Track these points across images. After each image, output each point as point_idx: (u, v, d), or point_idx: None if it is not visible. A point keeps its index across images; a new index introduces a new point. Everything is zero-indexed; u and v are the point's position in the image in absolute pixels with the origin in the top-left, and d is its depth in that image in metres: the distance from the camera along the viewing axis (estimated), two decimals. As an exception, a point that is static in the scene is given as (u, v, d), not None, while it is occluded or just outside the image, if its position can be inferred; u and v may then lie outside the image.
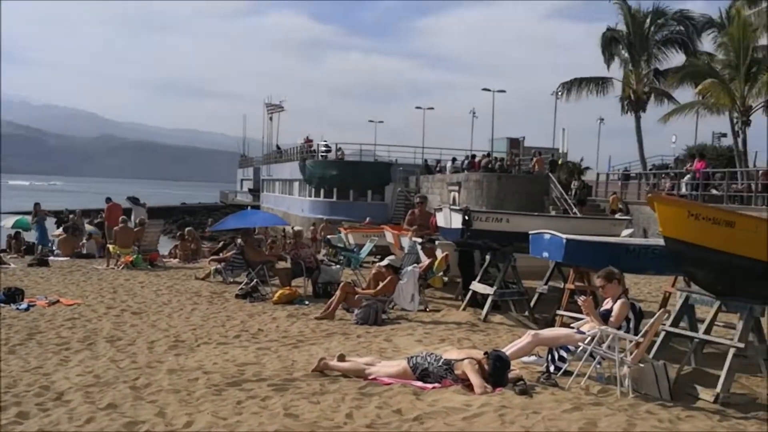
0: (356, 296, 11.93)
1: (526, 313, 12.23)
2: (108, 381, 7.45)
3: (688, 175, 27.65)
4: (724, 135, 44.87)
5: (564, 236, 9.87)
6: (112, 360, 8.46)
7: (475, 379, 7.05)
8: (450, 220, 11.85)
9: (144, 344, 9.48)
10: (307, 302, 13.62)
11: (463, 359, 7.30)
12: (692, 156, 29.66)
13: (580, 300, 7.93)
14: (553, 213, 27.50)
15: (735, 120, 28.29)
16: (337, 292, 12.15)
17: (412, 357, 7.66)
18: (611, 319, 7.81)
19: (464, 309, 12.59)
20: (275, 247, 19.72)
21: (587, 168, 40.11)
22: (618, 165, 39.56)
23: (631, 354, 7.27)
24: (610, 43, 35.74)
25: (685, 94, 39.93)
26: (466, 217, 11.23)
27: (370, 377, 7.58)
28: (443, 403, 6.66)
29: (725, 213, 7.15)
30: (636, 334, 7.77)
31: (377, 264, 13.52)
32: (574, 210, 29.07)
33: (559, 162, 39.84)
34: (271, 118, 76.79)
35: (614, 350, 7.27)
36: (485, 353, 7.38)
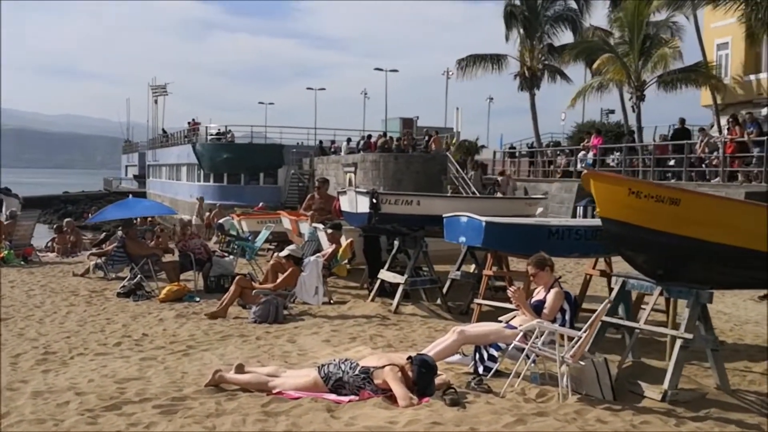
0: (253, 291, 10.79)
1: (439, 302, 11.43)
2: (-46, 413, 6.13)
3: (585, 152, 27.56)
4: (612, 111, 45.62)
5: (483, 219, 9.02)
6: (-39, 385, 7.09)
7: (398, 390, 6.10)
8: (356, 203, 10.85)
9: (7, 359, 8.10)
10: (198, 298, 12.38)
11: (383, 366, 6.33)
12: (588, 132, 29.60)
13: (511, 290, 7.10)
14: (450, 193, 26.91)
15: (630, 95, 28.35)
16: (232, 287, 10.98)
17: (323, 365, 6.64)
18: (545, 311, 7.01)
19: (372, 300, 11.66)
20: (163, 236, 18.32)
21: (483, 146, 39.90)
22: (510, 143, 39.50)
23: (570, 350, 6.46)
24: (510, 17, 35.44)
25: (576, 71, 40.25)
26: (374, 201, 10.25)
27: (275, 391, 6.53)
28: (363, 420, 5.70)
29: (670, 190, 6.44)
30: (572, 326, 7.00)
31: (276, 254, 12.41)
32: (473, 189, 28.63)
33: (453, 141, 39.49)
34: (156, 102, 74.02)
35: (553, 347, 6.46)
36: (408, 358, 6.43)
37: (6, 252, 18.12)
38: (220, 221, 25.83)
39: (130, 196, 23.29)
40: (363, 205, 10.56)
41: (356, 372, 6.39)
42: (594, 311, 9.33)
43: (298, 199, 41.07)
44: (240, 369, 6.93)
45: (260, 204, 30.07)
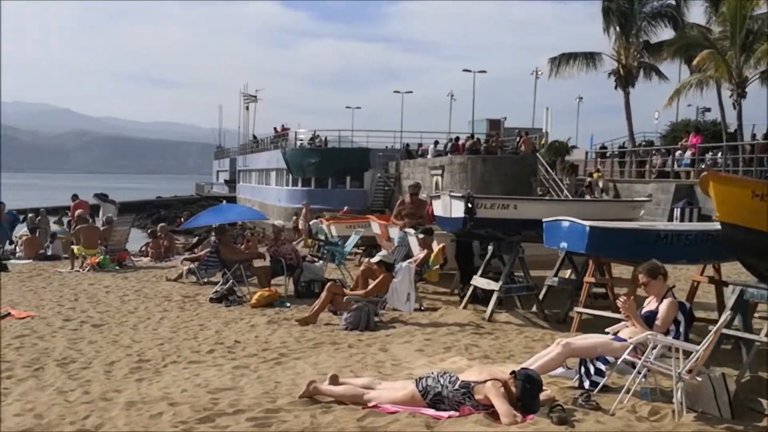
0: (344, 298, 10.57)
1: (534, 309, 11.00)
2: (51, 422, 6.08)
3: (682, 152, 26.52)
4: (708, 110, 43.93)
5: (587, 224, 8.56)
6: (59, 391, 7.07)
7: (501, 406, 5.75)
8: (450, 208, 10.52)
9: (101, 367, 8.09)
10: (288, 304, 12.27)
11: (485, 381, 5.98)
12: (686, 131, 28.48)
13: (621, 301, 6.65)
14: (540, 195, 26.27)
15: (731, 92, 27.11)
16: (323, 294, 10.80)
17: (421, 378, 6.34)
18: (657, 322, 6.54)
19: (465, 307, 11.31)
20: (252, 241, 18.38)
21: (574, 147, 38.92)
22: (600, 143, 38.42)
23: (686, 365, 5.98)
24: (607, 14, 34.56)
25: (671, 69, 38.86)
26: (470, 205, 9.89)
27: (371, 404, 6.28)
28: (464, 438, 5.37)
29: (799, 192, 5.88)
30: (686, 338, 6.52)
31: (366, 260, 12.19)
32: (565, 192, 27.89)
33: (543, 141, 38.68)
34: (247, 108, 75.39)
35: (665, 361, 6.00)
36: (512, 373, 6.07)
37: (102, 257, 18.47)
38: (309, 223, 25.94)
39: (224, 201, 23.53)
40: (458, 210, 10.23)
41: (456, 386, 6.08)
42: (704, 321, 8.82)
43: (384, 202, 41.00)
44: (334, 380, 6.71)
45: (345, 208, 30.10)
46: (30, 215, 25.16)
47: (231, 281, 13.13)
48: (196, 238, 24.90)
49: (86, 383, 7.38)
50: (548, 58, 35.84)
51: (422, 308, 11.39)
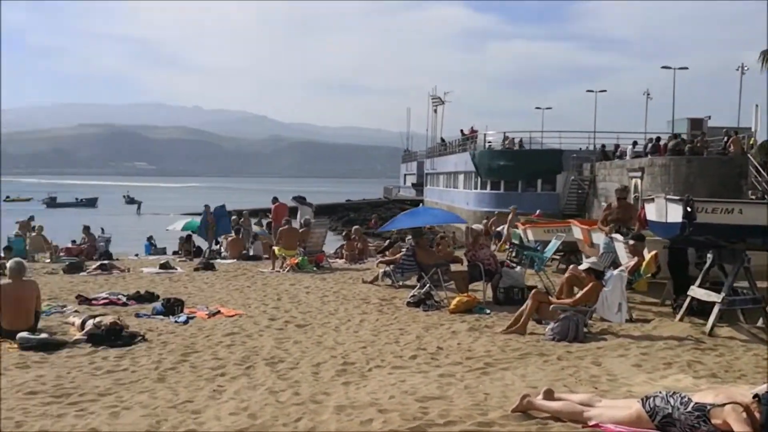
0: (551, 306, 10.11)
1: (761, 324, 10.03)
2: (264, 423, 6.10)
3: None
4: None
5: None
6: (271, 391, 7.12)
7: (744, 435, 5.13)
8: (666, 212, 9.78)
9: (308, 368, 8.12)
10: (488, 311, 11.95)
11: (723, 404, 5.38)
12: None
13: None
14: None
15: None
16: (528, 302, 10.37)
17: (648, 398, 5.81)
18: None
19: (681, 319, 10.50)
20: (443, 244, 18.22)
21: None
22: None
23: None
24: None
25: None
26: (689, 209, 9.13)
27: (591, 423, 5.84)
28: (704, 468, 4.82)
29: None
30: None
31: (572, 266, 11.64)
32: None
33: (751, 141, 35.95)
34: (435, 111, 75.82)
35: None
36: (755, 396, 5.42)
37: (300, 258, 18.97)
38: (498, 229, 25.47)
39: (421, 205, 23.54)
40: (675, 214, 9.47)
41: (689, 408, 5.50)
42: None
43: (577, 206, 39.68)
44: (549, 395, 6.32)
45: (537, 212, 29.35)
46: (234, 217, 26.37)
47: (428, 285, 13.00)
48: (387, 241, 25.12)
49: (295, 384, 7.41)
50: (760, 51, 33.20)
51: (632, 319, 10.70)
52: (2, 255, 21.78)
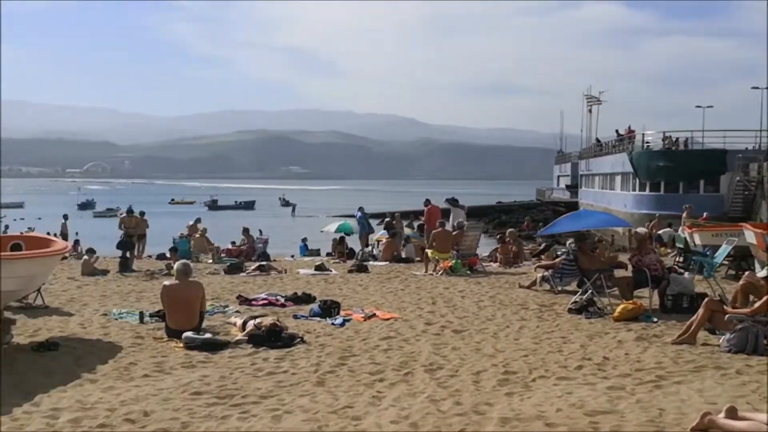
0: (726, 316, 9.37)
1: None
2: (427, 433, 5.89)
3: None
4: None
5: None
6: (431, 399, 6.91)
7: None
8: None
9: (468, 376, 7.85)
10: (655, 319, 11.26)
11: None
12: None
13: None
14: None
15: None
16: (700, 310, 9.66)
17: None
18: None
19: None
20: (600, 249, 17.49)
21: None
22: None
23: None
24: None
25: None
26: None
27: (787, 448, 5.25)
28: None
29: None
30: None
31: (749, 273, 10.80)
32: None
33: None
34: (590, 111, 73.86)
35: None
36: None
37: (454, 261, 18.73)
38: (659, 232, 24.31)
39: (582, 208, 22.79)
40: None
41: None
42: None
43: (743, 208, 37.35)
44: (732, 413, 5.78)
45: (704, 214, 27.93)
46: (387, 219, 26.49)
47: (590, 291, 12.43)
48: (543, 244, 24.49)
49: (456, 393, 7.16)
50: None
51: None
52: (168, 256, 22.84)
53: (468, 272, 18.47)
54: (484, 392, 7.21)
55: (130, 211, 25.80)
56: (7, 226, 33.28)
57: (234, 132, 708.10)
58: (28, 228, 33.35)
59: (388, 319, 11.53)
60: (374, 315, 11.83)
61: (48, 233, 23.97)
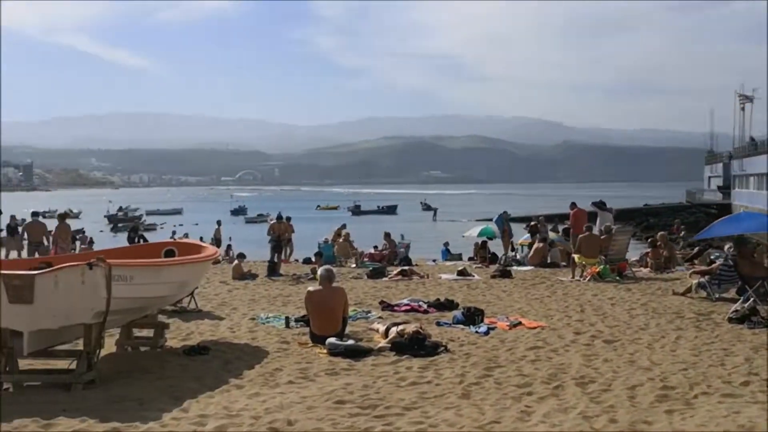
0: None
1: None
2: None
3: None
4: None
5: None
6: (584, 416, 6.52)
7: None
8: None
9: (623, 391, 7.39)
10: (828, 330, 10.33)
11: None
12: None
13: None
14: None
15: None
16: None
17: None
18: None
19: None
20: (758, 253, 16.33)
21: None
22: None
23: None
24: None
25: None
26: None
27: None
28: None
29: None
30: None
31: None
32: None
33: None
34: (742, 109, 70.08)
35: None
36: None
37: (601, 267, 18.03)
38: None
39: (736, 209, 21.50)
40: None
41: None
42: None
43: None
44: None
45: None
46: (532, 223, 25.92)
47: (753, 299, 11.58)
48: (696, 248, 23.22)
49: (610, 409, 6.74)
50: None
51: None
52: (314, 260, 23.22)
53: (617, 278, 17.71)
54: (641, 409, 6.75)
55: (279, 218, 26.57)
56: (174, 232, 34.93)
57: (377, 138, 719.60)
58: (184, 234, 34.86)
59: (534, 328, 11.13)
60: (520, 323, 11.46)
61: (201, 238, 25.00)
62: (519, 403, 7.00)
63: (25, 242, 22.57)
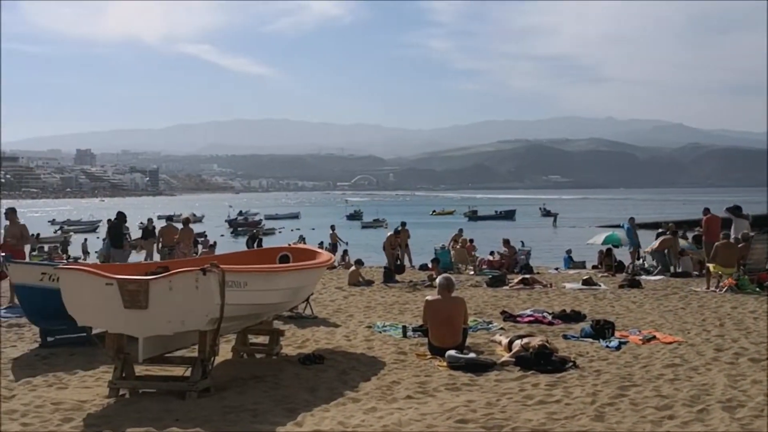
0: None
1: None
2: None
3: None
4: None
5: None
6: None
7: None
8: None
9: (779, 418, 6.59)
10: None
11: None
12: None
13: None
14: None
15: None
16: None
17: None
18: None
19: None
20: None
21: None
22: None
23: None
24: None
25: None
26: None
27: None
28: None
29: None
30: None
31: None
32: None
33: None
34: None
35: None
36: None
37: (740, 277, 16.84)
38: None
39: None
40: None
41: None
42: None
43: None
44: None
45: None
46: (660, 230, 24.66)
47: None
48: None
49: (765, 439, 5.98)
50: None
51: None
52: (430, 266, 22.80)
53: (757, 289, 16.46)
54: (804, 441, 5.97)
55: (396, 231, 26.51)
56: (302, 237, 35.20)
57: (493, 142, 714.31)
58: (300, 237, 35.12)
59: (670, 343, 10.30)
60: (654, 337, 10.64)
61: (321, 244, 25.04)
62: (660, 429, 6.33)
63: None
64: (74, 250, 41.80)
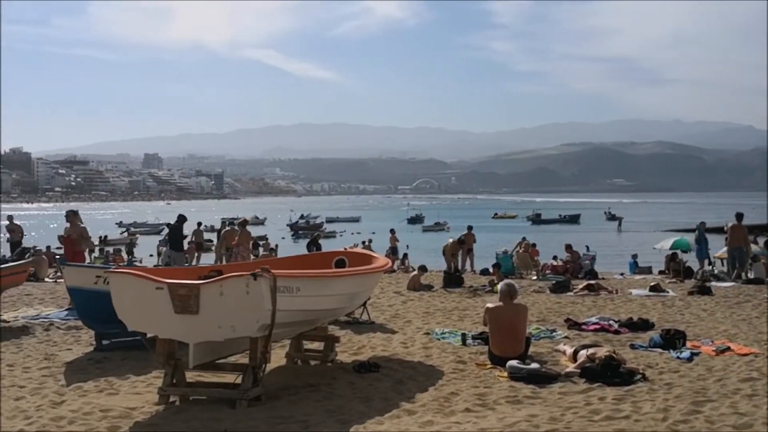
0: None
1: None
2: None
3: None
4: None
5: None
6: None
7: None
8: None
9: None
10: None
11: None
12: None
13: None
14: None
15: None
16: None
17: None
18: None
19: None
20: None
21: None
22: None
23: None
24: None
25: None
26: None
27: None
28: None
29: None
30: None
31: None
32: None
33: None
34: None
35: None
36: None
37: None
38: None
39: None
40: None
41: None
42: None
43: None
44: None
45: None
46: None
47: None
48: None
49: None
50: None
51: None
52: (491, 271, 22.33)
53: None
54: None
55: (470, 227, 26.51)
56: (370, 240, 34.99)
57: (557, 145, 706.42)
58: (362, 241, 34.88)
59: (746, 355, 9.71)
60: (728, 348, 10.05)
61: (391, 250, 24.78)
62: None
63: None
64: (140, 252, 42.34)
